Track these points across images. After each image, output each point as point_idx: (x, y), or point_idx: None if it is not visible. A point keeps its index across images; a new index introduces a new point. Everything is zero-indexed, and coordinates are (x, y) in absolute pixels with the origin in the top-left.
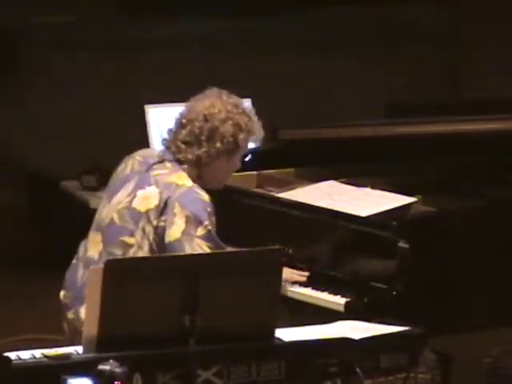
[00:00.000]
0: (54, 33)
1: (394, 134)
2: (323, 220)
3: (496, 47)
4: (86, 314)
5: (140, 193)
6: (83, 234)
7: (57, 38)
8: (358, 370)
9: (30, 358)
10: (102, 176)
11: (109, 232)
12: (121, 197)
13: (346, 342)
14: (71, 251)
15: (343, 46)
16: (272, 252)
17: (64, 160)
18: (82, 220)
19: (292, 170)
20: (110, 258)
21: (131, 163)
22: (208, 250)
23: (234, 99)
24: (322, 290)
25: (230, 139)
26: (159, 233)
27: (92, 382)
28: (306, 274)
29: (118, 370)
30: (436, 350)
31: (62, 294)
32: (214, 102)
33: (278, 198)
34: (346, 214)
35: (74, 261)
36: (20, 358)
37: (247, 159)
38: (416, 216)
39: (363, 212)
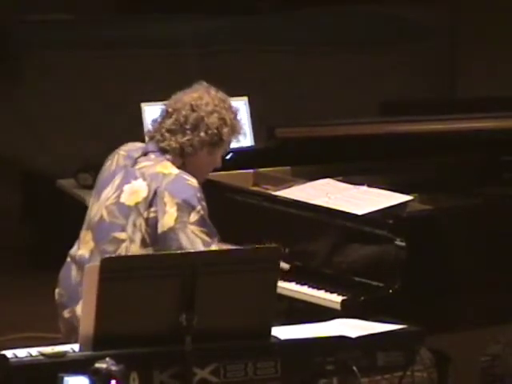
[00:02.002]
0: (53, 31)
1: (390, 132)
2: (319, 218)
3: (496, 47)
4: (82, 312)
5: (127, 187)
6: (79, 232)
7: (56, 36)
8: (354, 368)
9: (27, 356)
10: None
11: (99, 229)
12: (108, 193)
13: (342, 340)
14: (68, 249)
15: (341, 45)
16: (269, 250)
17: (60, 158)
18: (79, 218)
19: (288, 168)
20: (102, 255)
21: (116, 158)
22: (203, 236)
23: (222, 95)
24: (319, 288)
25: (215, 131)
26: (151, 224)
27: (88, 380)
28: (287, 266)
29: (114, 368)
30: (433, 348)
31: (56, 292)
32: (202, 95)
33: (275, 196)
34: (342, 212)
35: (68, 259)
36: (16, 356)
37: (242, 156)
38: (412, 214)
39: (359, 210)
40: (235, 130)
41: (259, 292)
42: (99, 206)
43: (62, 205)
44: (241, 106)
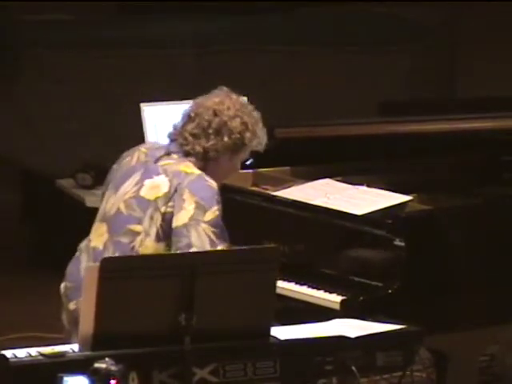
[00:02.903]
0: (53, 31)
1: (390, 132)
2: (319, 218)
3: (496, 47)
4: (82, 311)
5: (148, 182)
6: (78, 231)
7: (56, 36)
8: (353, 368)
9: (26, 356)
10: (98, 174)
11: (115, 222)
12: (127, 187)
13: (341, 340)
14: (67, 249)
15: (341, 45)
16: (268, 250)
17: (60, 158)
18: (78, 218)
19: (288, 168)
20: (116, 246)
21: (137, 155)
22: (211, 236)
23: (243, 100)
24: (318, 289)
25: (238, 136)
26: (166, 219)
27: (88, 380)
28: None
29: (113, 368)
30: (432, 348)
31: (62, 286)
32: (224, 100)
33: (274, 196)
34: (341, 212)
35: (77, 253)
36: (16, 356)
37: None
38: (412, 214)
39: (359, 210)
40: (256, 135)
41: (258, 292)
42: (116, 200)
43: (61, 205)
44: None
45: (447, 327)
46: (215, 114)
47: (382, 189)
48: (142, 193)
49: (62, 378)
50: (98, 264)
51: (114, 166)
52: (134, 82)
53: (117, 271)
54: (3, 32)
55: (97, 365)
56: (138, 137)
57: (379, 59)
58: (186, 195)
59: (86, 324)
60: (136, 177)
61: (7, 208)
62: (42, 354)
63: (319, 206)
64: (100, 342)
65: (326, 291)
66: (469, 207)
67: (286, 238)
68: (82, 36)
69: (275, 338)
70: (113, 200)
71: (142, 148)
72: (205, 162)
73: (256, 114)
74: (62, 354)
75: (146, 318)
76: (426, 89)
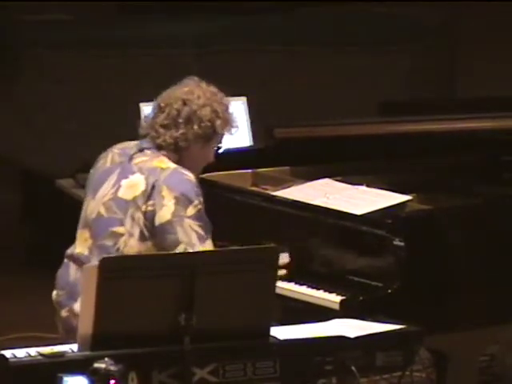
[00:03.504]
0: (53, 31)
1: (389, 132)
2: (318, 218)
3: (496, 47)
4: (81, 312)
5: (124, 182)
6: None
7: (56, 36)
8: (353, 368)
9: (26, 356)
10: None
11: (97, 226)
12: (105, 190)
13: (341, 340)
14: (66, 249)
15: (341, 45)
16: (268, 250)
17: (59, 158)
18: (78, 218)
19: (287, 168)
20: (101, 250)
21: (111, 156)
22: (198, 230)
23: (213, 88)
24: (318, 289)
25: (208, 124)
26: (149, 217)
27: (87, 380)
28: (287, 259)
29: (113, 368)
30: (432, 348)
31: (54, 293)
32: (193, 89)
33: (274, 196)
34: (341, 212)
35: (65, 260)
36: (15, 356)
37: (241, 156)
38: (411, 214)
39: (358, 210)
40: (228, 123)
41: (258, 292)
42: (96, 204)
43: (61, 205)
44: (240, 105)
45: (447, 327)
46: (185, 104)
47: (381, 189)
48: (120, 194)
49: (61, 378)
50: (97, 264)
51: (91, 171)
52: (134, 82)
53: (116, 271)
54: (3, 32)
55: (96, 365)
56: (137, 137)
57: (379, 59)
58: (165, 191)
59: (86, 324)
60: (112, 178)
61: (7, 208)
62: (41, 354)
63: (319, 206)
64: (99, 341)
65: (325, 291)
66: (469, 207)
67: (285, 238)
68: (82, 36)
69: (275, 338)
70: (92, 204)
71: (115, 149)
72: (178, 153)
73: (226, 102)
74: (61, 354)
75: (145, 318)
76: (426, 89)
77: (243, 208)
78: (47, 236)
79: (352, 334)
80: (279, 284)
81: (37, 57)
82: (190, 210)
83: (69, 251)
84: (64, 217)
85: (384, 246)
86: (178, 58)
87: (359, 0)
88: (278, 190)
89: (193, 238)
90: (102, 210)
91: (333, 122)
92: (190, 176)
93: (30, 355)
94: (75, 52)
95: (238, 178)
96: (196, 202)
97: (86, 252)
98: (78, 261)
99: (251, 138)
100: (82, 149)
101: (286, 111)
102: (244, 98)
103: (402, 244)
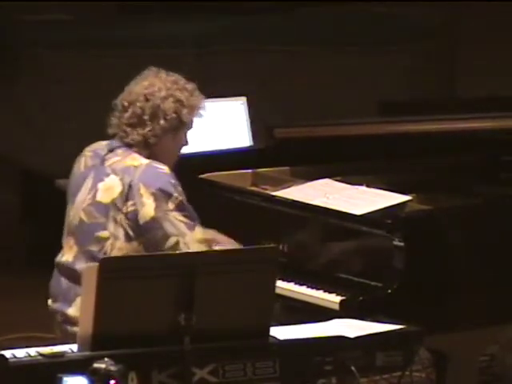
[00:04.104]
0: (53, 31)
1: (389, 132)
2: (318, 218)
3: (496, 47)
4: (81, 312)
5: (100, 185)
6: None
7: (56, 36)
8: (353, 368)
9: (25, 356)
10: None
11: (80, 232)
12: (83, 195)
13: (341, 340)
14: None
15: (340, 44)
16: (268, 250)
17: (60, 158)
18: None
19: (287, 168)
20: (88, 256)
21: (83, 161)
22: (185, 219)
23: (174, 76)
24: (317, 289)
25: (173, 115)
26: (131, 218)
27: (87, 380)
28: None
29: (113, 368)
30: (431, 348)
31: (49, 301)
32: (153, 81)
33: (273, 196)
34: (340, 212)
35: (55, 269)
36: (15, 356)
37: (241, 157)
38: (411, 214)
39: (358, 210)
40: (194, 108)
41: (258, 292)
42: (76, 210)
43: (61, 205)
44: (240, 105)
45: (447, 327)
46: (147, 99)
47: (381, 189)
48: (98, 198)
49: (61, 379)
50: (97, 264)
51: (70, 176)
52: None
53: (116, 271)
54: (3, 32)
55: (96, 365)
56: None
57: (379, 59)
58: (142, 189)
59: (85, 324)
60: (88, 183)
61: (7, 208)
62: (41, 354)
63: (319, 206)
64: (99, 342)
65: (325, 291)
66: (469, 207)
67: (285, 238)
68: (82, 36)
69: (275, 338)
70: (73, 211)
71: (86, 152)
72: (148, 148)
73: (190, 86)
74: (61, 354)
75: (145, 318)
76: (426, 89)
77: (243, 208)
78: (47, 236)
79: (352, 334)
80: (279, 284)
81: (37, 57)
82: (171, 204)
83: (57, 259)
84: (64, 217)
85: (384, 246)
86: (178, 58)
87: (359, 0)
88: (278, 190)
89: (181, 228)
90: (83, 216)
91: (333, 122)
92: (164, 169)
93: (29, 355)
94: (75, 52)
95: (238, 177)
96: (175, 194)
97: (71, 259)
98: (66, 269)
99: (251, 138)
100: (81, 149)
101: (285, 111)
102: (244, 98)
103: (401, 244)
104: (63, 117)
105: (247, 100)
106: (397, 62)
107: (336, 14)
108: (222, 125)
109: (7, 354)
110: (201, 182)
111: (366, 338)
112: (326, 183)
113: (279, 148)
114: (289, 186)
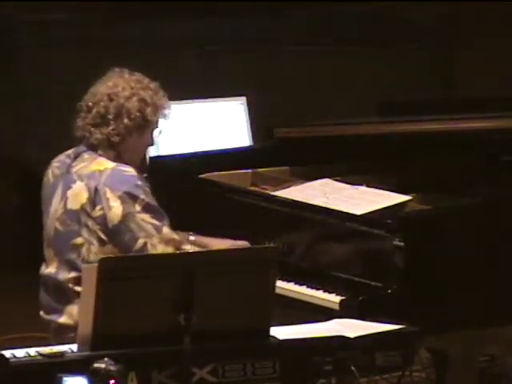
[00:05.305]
0: (53, 31)
1: (389, 132)
2: (318, 218)
3: (496, 47)
4: (80, 312)
5: (69, 193)
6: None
7: (56, 36)
8: (353, 368)
9: (25, 356)
10: None
11: (57, 242)
12: (55, 205)
13: (340, 340)
14: None
15: (339, 45)
16: (268, 250)
17: None
18: None
19: (287, 168)
20: (68, 264)
21: (51, 172)
22: (153, 221)
23: (137, 76)
24: (317, 289)
25: (137, 114)
26: (101, 222)
27: (87, 380)
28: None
29: (113, 368)
30: (431, 348)
31: (41, 313)
32: (117, 82)
33: (273, 196)
34: (340, 212)
35: (41, 280)
36: (15, 356)
37: (241, 157)
38: (411, 214)
39: (358, 210)
40: (158, 108)
41: (257, 292)
42: (51, 221)
43: None
44: (240, 105)
45: (447, 327)
46: (111, 99)
47: (381, 189)
48: (69, 205)
49: (61, 379)
50: (96, 264)
51: (41, 192)
52: None
53: (115, 271)
54: (3, 32)
55: (96, 365)
56: None
57: (379, 59)
58: (108, 193)
59: (85, 324)
60: (58, 192)
61: (7, 208)
62: (41, 354)
63: (318, 206)
64: (99, 342)
65: (325, 291)
66: (468, 207)
67: (285, 238)
68: (83, 36)
69: (274, 338)
70: (49, 222)
71: (54, 163)
72: (114, 149)
73: (154, 85)
74: (61, 354)
75: (145, 318)
76: (426, 89)
77: (243, 208)
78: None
79: (352, 334)
80: (279, 284)
81: (37, 57)
82: (138, 206)
83: (41, 271)
84: None
85: (384, 246)
86: (178, 58)
87: (362, 0)
88: (278, 190)
89: (149, 230)
90: (58, 225)
91: (333, 122)
92: (130, 171)
93: (29, 355)
94: (75, 52)
95: (238, 177)
96: (141, 196)
97: (53, 270)
98: (51, 279)
99: (251, 138)
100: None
101: (286, 111)
102: (244, 98)
103: (401, 244)
104: (63, 117)
105: (247, 100)
106: (397, 62)
107: (336, 13)
108: (221, 125)
109: (7, 353)
110: (201, 181)
111: (366, 338)
112: (325, 183)
113: (279, 148)
114: (289, 186)
